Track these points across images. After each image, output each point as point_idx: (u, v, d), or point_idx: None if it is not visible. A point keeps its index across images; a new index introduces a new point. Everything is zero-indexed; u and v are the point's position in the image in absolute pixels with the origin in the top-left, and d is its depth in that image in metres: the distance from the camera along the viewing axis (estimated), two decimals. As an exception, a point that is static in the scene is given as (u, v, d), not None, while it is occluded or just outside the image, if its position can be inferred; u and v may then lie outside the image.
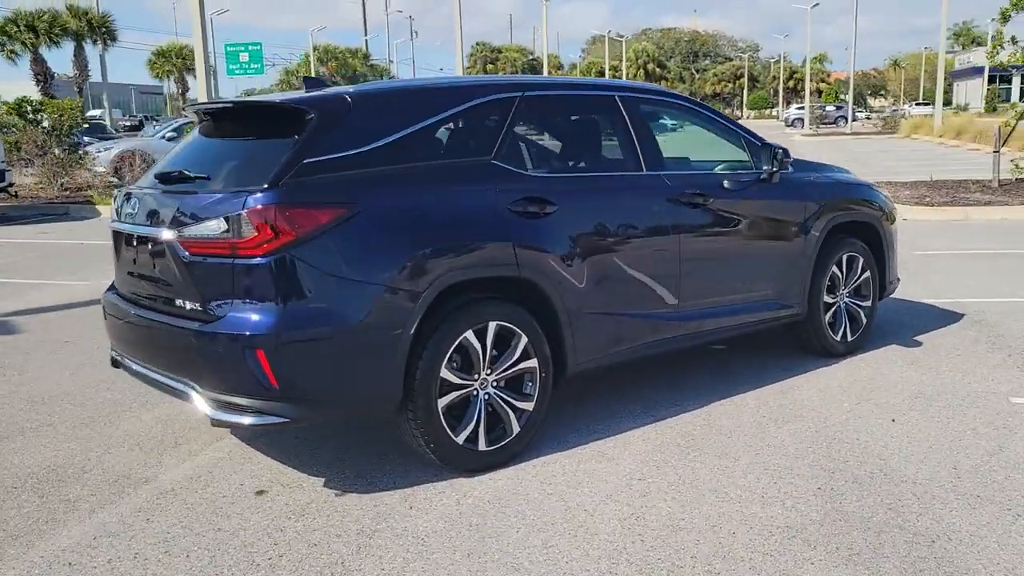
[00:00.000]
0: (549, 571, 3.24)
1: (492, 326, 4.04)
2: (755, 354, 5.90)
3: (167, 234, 3.81)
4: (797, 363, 5.74)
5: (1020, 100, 24.51)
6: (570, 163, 4.89)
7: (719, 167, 5.31)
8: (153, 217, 3.98)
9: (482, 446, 4.07)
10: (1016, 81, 56.51)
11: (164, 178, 4.10)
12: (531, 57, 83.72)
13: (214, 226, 3.62)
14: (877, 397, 5.08)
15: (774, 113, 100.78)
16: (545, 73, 55.18)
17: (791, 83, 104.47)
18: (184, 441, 4.67)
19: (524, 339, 4.13)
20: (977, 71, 74.86)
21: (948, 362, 5.72)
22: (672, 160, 5.20)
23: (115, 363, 4.52)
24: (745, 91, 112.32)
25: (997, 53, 15.53)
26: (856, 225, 5.89)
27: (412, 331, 3.79)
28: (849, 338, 5.91)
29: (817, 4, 60.81)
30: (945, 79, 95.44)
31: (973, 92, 79.73)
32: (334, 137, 3.79)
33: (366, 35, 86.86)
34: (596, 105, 4.91)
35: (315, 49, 68.68)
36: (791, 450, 4.31)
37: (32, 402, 5.40)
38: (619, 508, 3.73)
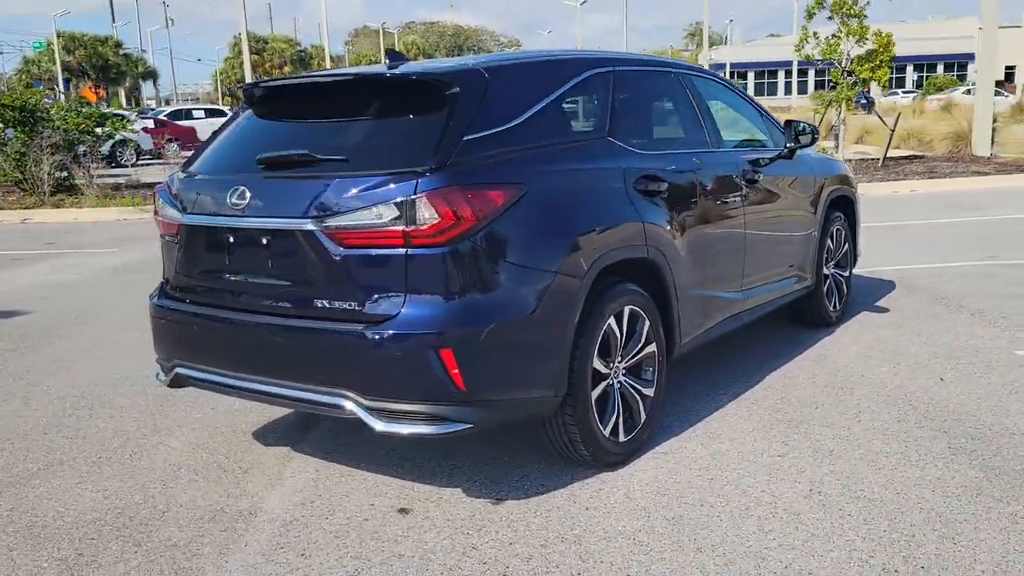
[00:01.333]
0: (796, 558, 3.12)
1: (626, 310, 3.85)
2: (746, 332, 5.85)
3: (308, 225, 3.28)
4: (797, 336, 5.92)
5: (821, 90, 26.71)
6: (662, 140, 4.76)
7: (751, 144, 5.38)
8: (277, 207, 3.42)
9: (621, 437, 3.87)
10: (812, 74, 62.00)
11: (273, 163, 3.52)
12: (299, 48, 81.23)
13: (380, 213, 3.17)
14: (905, 359, 5.34)
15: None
16: (328, 64, 53.77)
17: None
18: (250, 465, 4.09)
19: (647, 323, 3.97)
20: (716, 67, 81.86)
21: (928, 324, 6.13)
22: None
23: (177, 381, 3.86)
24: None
25: (803, 47, 16.95)
26: (841, 199, 6.18)
27: (576, 319, 3.53)
28: (837, 307, 6.21)
29: (585, 1, 63.47)
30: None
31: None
32: (484, 112, 3.45)
33: (113, 21, 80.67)
34: (668, 82, 4.81)
35: (59, 36, 62.91)
36: (885, 415, 4.43)
37: (8, 440, 4.51)
38: (789, 484, 3.67)
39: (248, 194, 3.43)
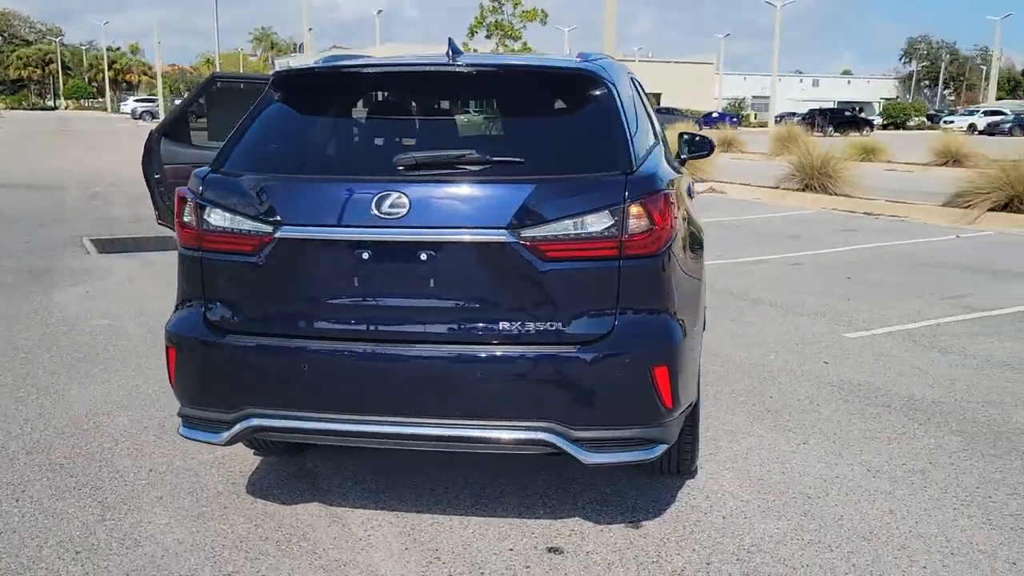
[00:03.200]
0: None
1: None
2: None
3: (503, 237, 2.88)
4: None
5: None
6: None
7: None
8: (453, 216, 2.92)
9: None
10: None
11: (425, 165, 2.99)
12: None
13: (593, 221, 2.89)
14: (773, 347, 6.03)
15: (103, 103, 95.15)
16: None
17: (111, 73, 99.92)
18: (344, 532, 3.44)
19: None
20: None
21: (747, 316, 6.96)
22: None
23: (243, 436, 3.12)
24: (60, 78, 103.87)
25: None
26: None
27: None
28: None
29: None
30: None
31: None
32: (628, 112, 3.29)
33: None
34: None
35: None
36: (826, 396, 5.01)
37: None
38: (846, 467, 4.03)
39: (406, 201, 2.88)
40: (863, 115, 60.85)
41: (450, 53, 3.28)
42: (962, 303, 7.38)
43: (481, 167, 2.99)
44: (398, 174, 2.96)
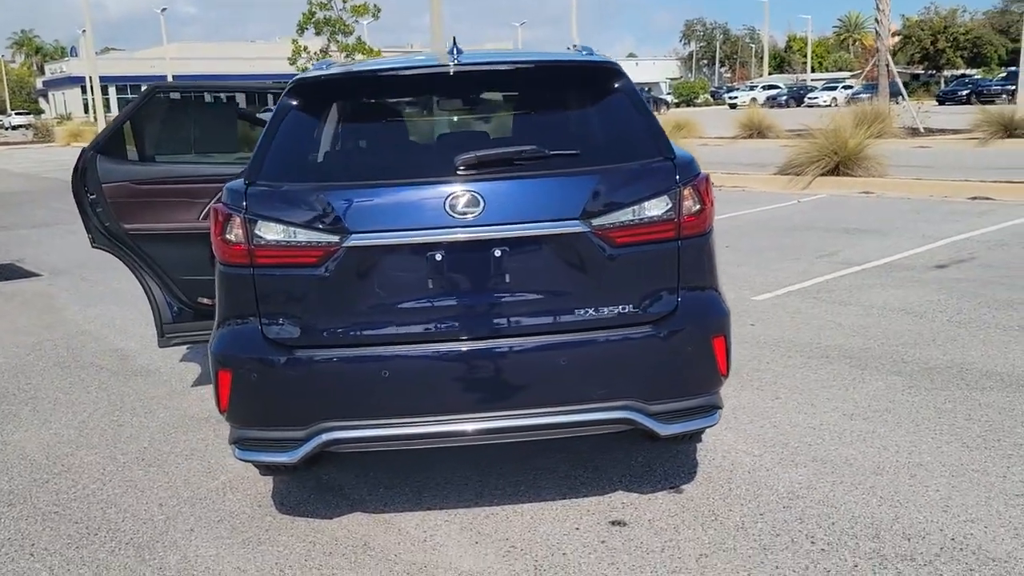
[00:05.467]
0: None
1: None
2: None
3: (577, 227, 2.99)
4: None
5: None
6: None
7: None
8: (526, 211, 2.99)
9: None
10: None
11: (486, 163, 3.03)
12: None
13: (655, 206, 3.07)
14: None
15: None
16: None
17: None
18: (409, 533, 3.43)
19: None
20: (74, 80, 76.09)
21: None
22: None
23: (311, 453, 3.08)
24: None
25: (296, 60, 17.40)
26: None
27: None
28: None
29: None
30: (36, 89, 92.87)
31: (73, 100, 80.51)
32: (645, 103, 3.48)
33: None
34: None
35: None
36: (769, 355, 5.44)
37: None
38: (853, 445, 4.44)
39: (480, 199, 2.93)
40: (655, 95, 64.12)
41: (455, 51, 3.33)
42: (837, 260, 8.12)
43: (538, 161, 3.07)
44: (459, 174, 2.99)
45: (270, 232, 2.99)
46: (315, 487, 3.85)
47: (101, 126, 34.06)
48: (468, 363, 3.00)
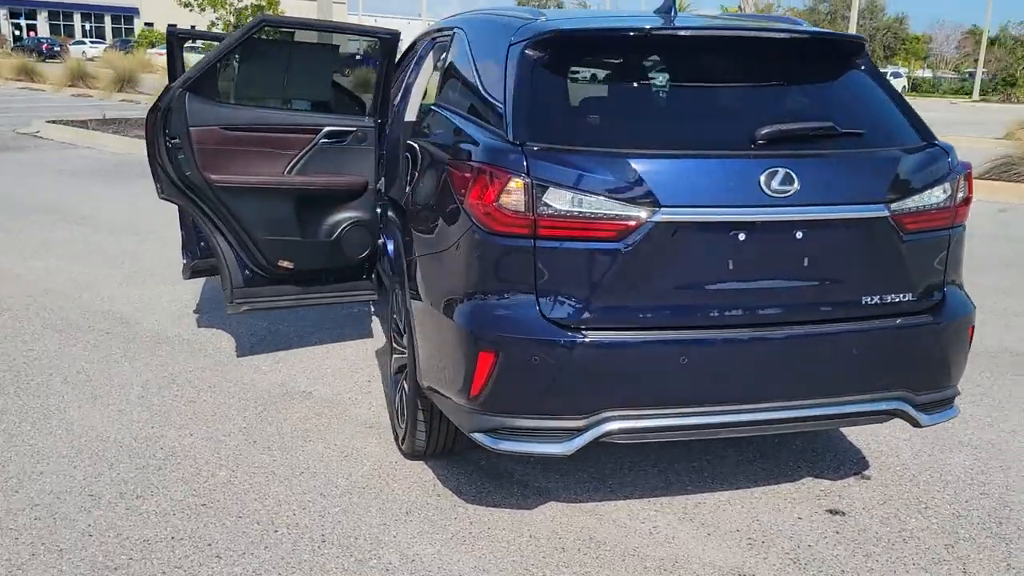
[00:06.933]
0: None
1: None
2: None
3: (880, 211, 2.88)
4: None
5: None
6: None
7: None
8: (832, 192, 2.83)
9: None
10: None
11: (783, 138, 2.85)
12: None
13: (942, 192, 3.01)
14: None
15: None
16: None
17: None
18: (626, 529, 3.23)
19: None
20: None
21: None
22: None
23: (583, 444, 2.84)
24: None
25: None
26: None
27: None
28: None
29: None
30: None
31: None
32: None
33: None
34: None
35: None
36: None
37: None
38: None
39: (795, 178, 2.76)
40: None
41: (674, 11, 3.12)
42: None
43: (830, 140, 2.93)
44: (756, 148, 2.80)
45: (562, 201, 2.68)
46: (479, 473, 3.57)
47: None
48: (761, 351, 2.83)
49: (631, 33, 3.02)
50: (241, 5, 16.28)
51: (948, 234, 3.04)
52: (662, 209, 2.67)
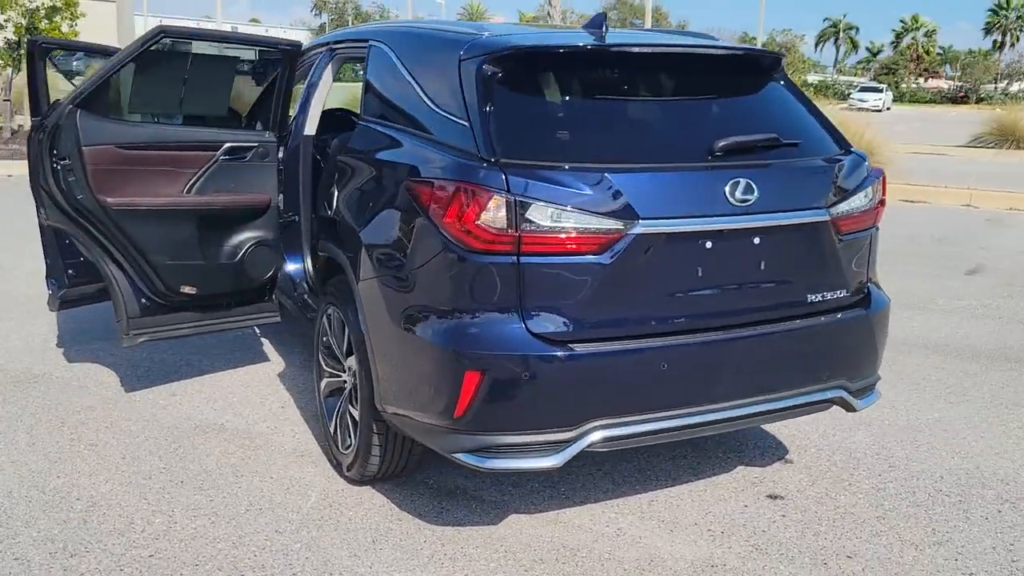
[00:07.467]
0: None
1: None
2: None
3: (823, 216, 3.11)
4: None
5: None
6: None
7: None
8: (783, 199, 3.01)
9: None
10: None
11: (734, 149, 3.00)
12: None
13: (870, 194, 3.29)
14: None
15: None
16: None
17: None
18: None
19: None
20: None
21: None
22: None
23: (571, 455, 2.90)
24: None
25: None
26: None
27: None
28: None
29: None
30: None
31: None
32: None
33: None
34: None
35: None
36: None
37: None
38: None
39: (754, 187, 2.94)
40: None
41: (605, 27, 3.25)
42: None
43: (773, 150, 3.12)
44: (712, 160, 2.95)
45: (544, 216, 2.71)
46: (431, 492, 3.54)
47: None
48: (731, 351, 2.98)
49: (588, 48, 3.08)
50: (33, 6, 14.99)
51: (869, 234, 3.31)
52: (640, 221, 2.75)
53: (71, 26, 15.27)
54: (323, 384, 3.81)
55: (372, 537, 3.19)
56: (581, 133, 2.99)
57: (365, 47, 3.92)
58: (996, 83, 76.08)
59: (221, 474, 3.64)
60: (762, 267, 3.00)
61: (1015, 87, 73.76)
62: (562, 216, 2.71)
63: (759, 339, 3.03)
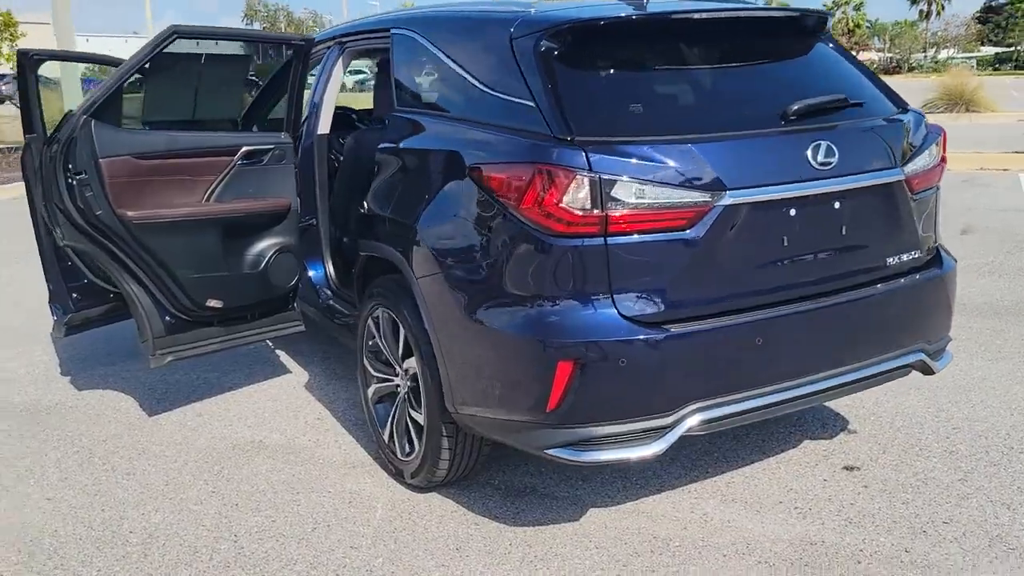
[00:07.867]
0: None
1: None
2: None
3: (898, 175, 3.03)
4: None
5: None
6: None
7: None
8: (863, 160, 2.93)
9: None
10: None
11: (807, 113, 2.90)
12: None
13: (929, 154, 3.22)
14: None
15: None
16: None
17: None
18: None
19: None
20: None
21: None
22: None
23: (677, 437, 2.78)
24: None
25: None
26: None
27: None
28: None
29: None
30: None
31: None
32: None
33: None
34: None
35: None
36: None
37: None
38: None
39: (835, 149, 2.84)
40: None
41: None
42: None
43: (843, 110, 3.03)
44: (786, 125, 2.84)
45: (629, 194, 2.58)
46: (500, 493, 3.40)
47: None
48: (822, 320, 2.88)
49: (644, 18, 2.95)
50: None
51: (935, 192, 3.24)
52: (728, 192, 2.64)
53: (11, 47, 14.73)
54: (371, 391, 3.63)
55: (455, 545, 3.04)
56: (651, 105, 2.87)
57: (385, 37, 3.75)
58: (925, 52, 78.60)
59: (275, 492, 3.46)
60: (843, 232, 2.91)
61: (943, 54, 76.39)
62: (648, 192, 2.58)
63: (846, 306, 2.93)
